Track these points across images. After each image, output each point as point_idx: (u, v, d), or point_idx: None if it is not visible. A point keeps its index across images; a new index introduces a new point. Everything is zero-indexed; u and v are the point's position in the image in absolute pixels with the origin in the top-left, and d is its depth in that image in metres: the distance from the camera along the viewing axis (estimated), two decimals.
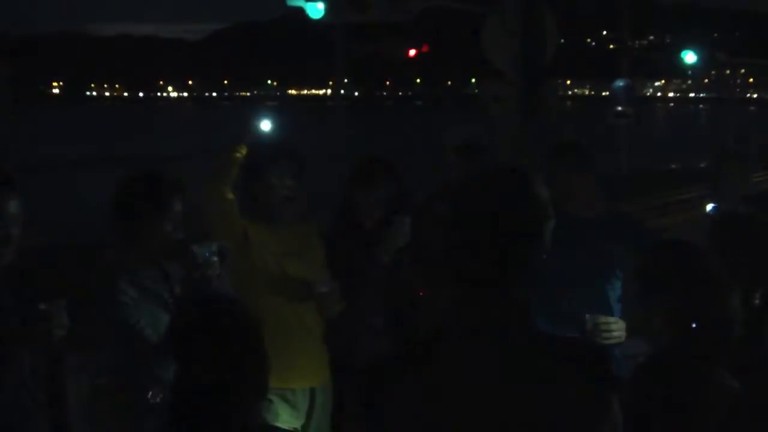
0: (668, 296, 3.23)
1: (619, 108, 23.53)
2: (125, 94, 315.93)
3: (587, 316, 4.61)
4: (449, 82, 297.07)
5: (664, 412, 3.09)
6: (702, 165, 26.69)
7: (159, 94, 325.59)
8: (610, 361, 2.90)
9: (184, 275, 4.44)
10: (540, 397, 2.30)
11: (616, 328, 4.64)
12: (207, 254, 4.51)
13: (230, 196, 4.95)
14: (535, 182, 2.48)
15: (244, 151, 4.94)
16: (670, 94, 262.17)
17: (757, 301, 3.68)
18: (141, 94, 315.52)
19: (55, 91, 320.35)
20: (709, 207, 5.94)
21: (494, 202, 2.42)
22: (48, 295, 3.83)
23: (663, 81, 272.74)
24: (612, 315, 4.79)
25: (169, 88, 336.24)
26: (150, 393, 4.26)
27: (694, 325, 3.19)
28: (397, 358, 2.50)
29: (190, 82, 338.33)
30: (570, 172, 5.02)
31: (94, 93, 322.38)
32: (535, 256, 2.44)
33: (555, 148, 5.22)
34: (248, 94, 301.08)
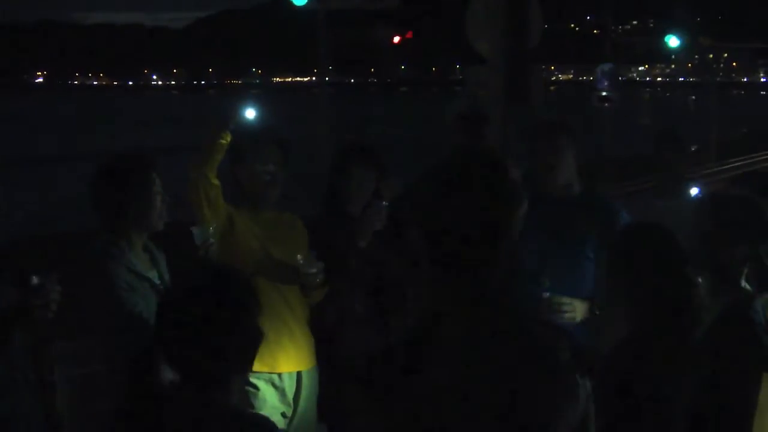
0: (635, 279, 3.27)
1: (603, 93, 23.55)
2: (115, 83, 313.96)
3: (544, 294, 4.70)
4: (434, 68, 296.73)
5: (632, 396, 3.12)
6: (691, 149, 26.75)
7: (146, 82, 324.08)
8: (578, 344, 2.94)
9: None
10: (506, 379, 2.33)
11: (569, 309, 4.72)
12: (204, 236, 4.57)
13: (216, 181, 4.97)
14: (505, 166, 2.48)
15: (228, 138, 4.97)
16: (658, 80, 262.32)
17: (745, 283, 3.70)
18: (130, 83, 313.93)
19: (39, 80, 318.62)
20: (694, 191, 5.97)
21: (467, 187, 2.42)
22: (39, 271, 3.84)
23: (646, 66, 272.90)
24: (583, 295, 4.85)
25: (154, 77, 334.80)
26: None
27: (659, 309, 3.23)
28: (396, 348, 2.49)
29: (174, 71, 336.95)
30: (551, 151, 5.02)
31: (75, 82, 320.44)
32: (508, 238, 2.44)
33: (538, 126, 5.22)
34: (234, 82, 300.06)
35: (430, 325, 2.41)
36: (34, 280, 3.79)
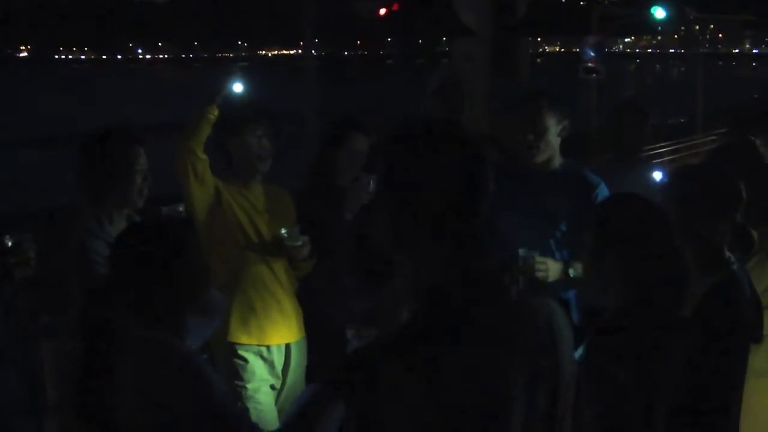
0: (622, 251, 3.25)
1: (590, 64, 23.50)
2: (103, 56, 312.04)
3: (521, 251, 4.72)
4: (420, 41, 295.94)
5: (623, 370, 3.12)
6: (670, 121, 26.74)
7: (129, 56, 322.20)
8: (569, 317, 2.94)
9: None
10: (505, 355, 2.33)
11: (542, 268, 4.75)
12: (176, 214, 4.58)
13: (203, 156, 4.97)
14: (477, 140, 2.43)
15: (216, 113, 4.96)
16: (637, 50, 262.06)
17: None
18: (109, 57, 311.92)
19: (23, 54, 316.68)
20: (658, 175, 5.91)
21: (435, 162, 2.35)
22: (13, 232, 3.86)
23: (633, 37, 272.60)
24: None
25: (139, 51, 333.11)
26: None
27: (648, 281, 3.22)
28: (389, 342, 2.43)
29: (160, 44, 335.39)
30: (532, 130, 4.97)
31: (62, 56, 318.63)
32: (482, 211, 2.40)
33: (521, 102, 5.17)
34: (220, 55, 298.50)
35: (438, 304, 2.34)
36: (8, 240, 3.81)
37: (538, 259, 4.76)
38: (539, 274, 4.76)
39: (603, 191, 5.01)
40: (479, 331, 2.31)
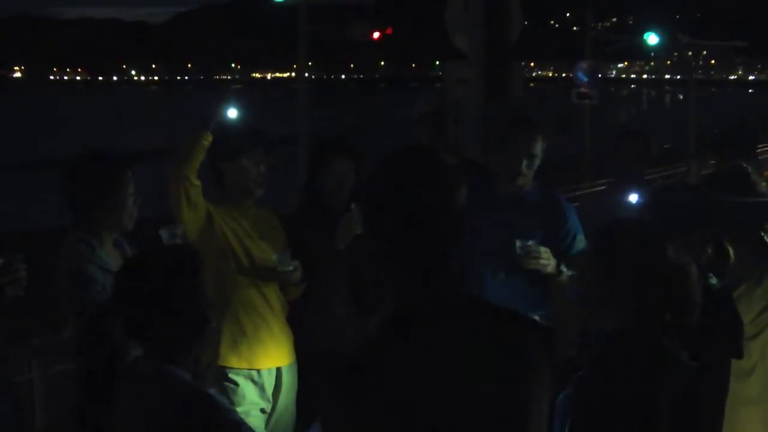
0: (633, 278, 3.23)
1: (582, 89, 23.59)
2: (92, 78, 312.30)
3: (517, 242, 4.70)
4: (413, 65, 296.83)
5: (623, 394, 3.11)
6: (666, 146, 26.82)
7: (124, 78, 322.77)
8: (542, 324, 2.97)
9: None
10: (481, 362, 2.36)
11: (546, 257, 4.74)
12: (172, 237, 4.55)
13: (196, 181, 4.96)
14: (441, 160, 2.49)
15: (210, 138, 4.95)
16: (632, 76, 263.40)
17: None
18: (102, 78, 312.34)
19: (17, 75, 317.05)
20: (634, 198, 5.92)
21: (406, 182, 2.42)
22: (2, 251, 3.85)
23: (626, 63, 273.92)
24: (536, 290, 4.88)
25: (132, 72, 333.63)
26: None
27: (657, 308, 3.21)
28: (373, 340, 2.49)
29: (153, 66, 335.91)
30: (518, 161, 4.94)
31: (56, 77, 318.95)
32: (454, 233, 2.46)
33: (509, 132, 5.14)
34: (215, 77, 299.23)
35: (406, 325, 2.40)
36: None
37: (542, 248, 4.75)
38: (542, 262, 4.75)
39: (570, 208, 5.11)
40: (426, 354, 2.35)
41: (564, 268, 4.81)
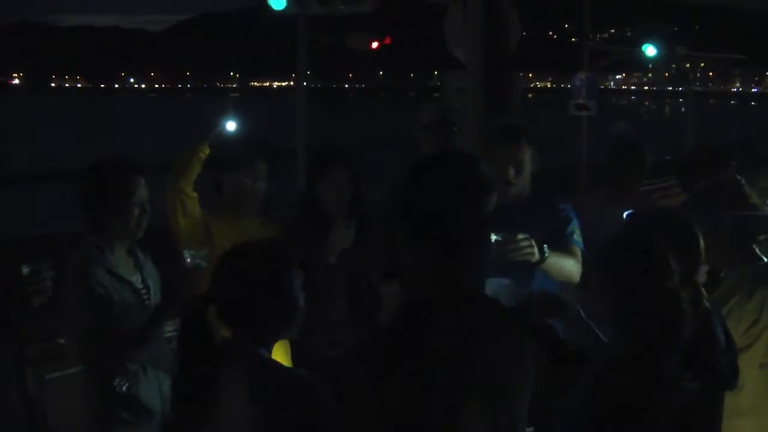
0: (622, 290, 3.22)
1: (580, 100, 23.58)
2: (91, 85, 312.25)
3: (493, 237, 4.47)
4: (412, 74, 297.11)
5: (620, 413, 3.12)
6: (667, 158, 26.83)
7: (123, 85, 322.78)
8: (530, 323, 3.04)
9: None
10: (488, 353, 2.60)
11: (527, 244, 4.57)
12: (196, 260, 4.51)
13: (193, 193, 4.98)
14: (478, 163, 2.72)
15: (207, 151, 4.97)
16: (632, 87, 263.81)
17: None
18: (103, 85, 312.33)
19: (16, 81, 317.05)
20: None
21: (438, 185, 2.64)
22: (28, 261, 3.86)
23: (624, 74, 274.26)
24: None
25: (131, 80, 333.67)
26: (116, 380, 4.28)
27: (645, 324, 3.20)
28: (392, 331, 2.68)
29: (152, 74, 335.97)
30: (510, 166, 4.98)
31: (53, 84, 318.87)
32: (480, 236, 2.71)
33: (499, 139, 5.15)
34: (212, 85, 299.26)
35: (421, 315, 2.59)
36: (26, 268, 3.81)
37: (519, 236, 4.56)
38: (525, 252, 4.58)
39: (571, 213, 5.10)
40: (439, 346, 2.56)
41: (547, 251, 4.70)
